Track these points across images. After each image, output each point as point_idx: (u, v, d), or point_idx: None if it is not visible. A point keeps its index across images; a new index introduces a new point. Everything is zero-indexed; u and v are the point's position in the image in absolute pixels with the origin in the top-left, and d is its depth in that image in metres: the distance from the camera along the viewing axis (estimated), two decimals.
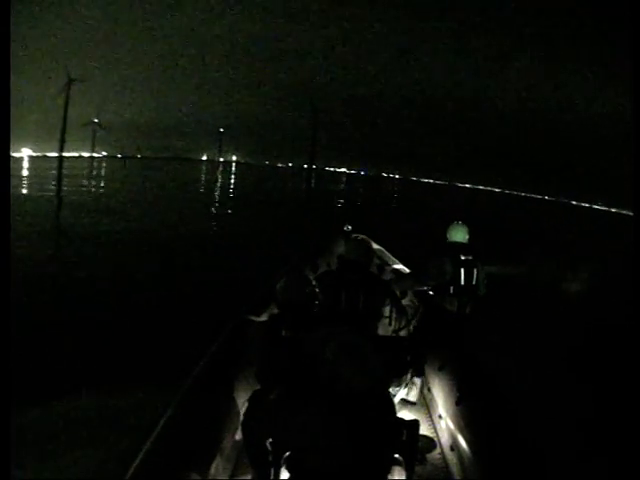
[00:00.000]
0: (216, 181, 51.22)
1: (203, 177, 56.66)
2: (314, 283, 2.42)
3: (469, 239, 3.66)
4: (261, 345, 2.30)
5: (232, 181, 57.10)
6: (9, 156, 1.90)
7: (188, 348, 3.21)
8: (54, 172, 38.93)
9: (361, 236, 4.14)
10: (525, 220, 37.23)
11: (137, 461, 1.85)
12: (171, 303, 7.13)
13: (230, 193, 37.10)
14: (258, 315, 3.19)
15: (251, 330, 2.42)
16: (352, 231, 4.96)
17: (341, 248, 4.04)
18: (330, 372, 1.62)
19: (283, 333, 2.26)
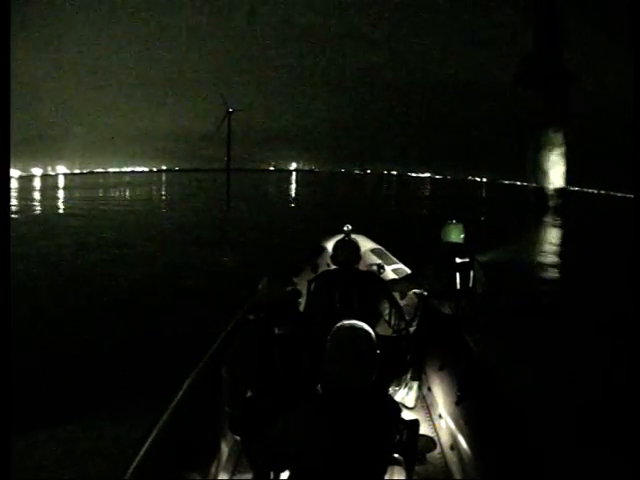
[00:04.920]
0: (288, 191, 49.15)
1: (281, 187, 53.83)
2: (295, 281, 2.45)
3: (465, 237, 3.66)
4: (253, 344, 2.30)
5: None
6: (9, 166, 1.93)
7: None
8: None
9: (355, 236, 4.16)
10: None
11: (137, 461, 1.84)
12: None
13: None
14: (258, 314, 3.20)
15: (244, 330, 2.43)
16: (352, 231, 4.98)
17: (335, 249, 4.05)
18: (325, 368, 1.61)
19: (276, 331, 2.27)
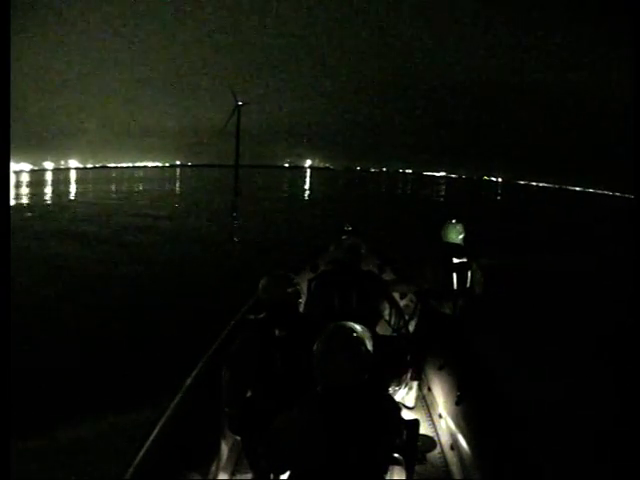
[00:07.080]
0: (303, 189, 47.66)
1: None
2: (295, 281, 2.43)
3: (464, 238, 3.65)
4: (253, 344, 2.30)
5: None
6: (9, 161, 1.92)
7: None
8: None
9: (353, 237, 4.18)
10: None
11: (137, 461, 1.85)
12: None
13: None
14: (258, 314, 3.20)
15: (245, 330, 2.43)
16: (352, 231, 4.99)
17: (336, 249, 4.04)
18: (316, 366, 1.61)
19: (276, 332, 2.27)
